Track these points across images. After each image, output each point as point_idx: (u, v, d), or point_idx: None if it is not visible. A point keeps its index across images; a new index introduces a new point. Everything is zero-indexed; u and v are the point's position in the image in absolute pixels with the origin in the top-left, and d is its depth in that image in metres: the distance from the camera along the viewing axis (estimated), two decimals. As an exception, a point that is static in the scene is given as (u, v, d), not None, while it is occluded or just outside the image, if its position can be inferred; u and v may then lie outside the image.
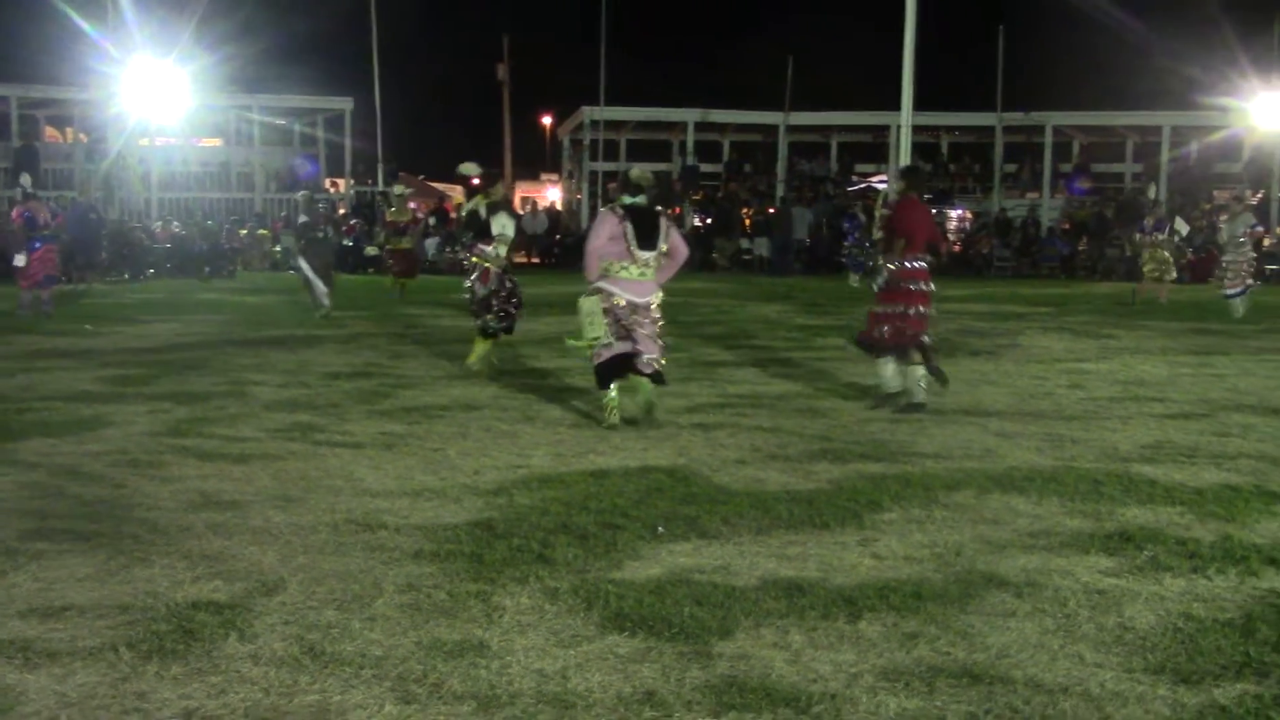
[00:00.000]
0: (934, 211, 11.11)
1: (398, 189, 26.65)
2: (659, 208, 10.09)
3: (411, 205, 36.73)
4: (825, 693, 4.41)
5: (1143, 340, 16.56)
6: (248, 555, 6.06)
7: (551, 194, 51.41)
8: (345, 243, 33.63)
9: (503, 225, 12.17)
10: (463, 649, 4.80)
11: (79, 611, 5.18)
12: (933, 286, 10.69)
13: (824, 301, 22.78)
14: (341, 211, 36.75)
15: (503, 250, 12.21)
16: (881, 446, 8.96)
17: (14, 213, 19.68)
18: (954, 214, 39.10)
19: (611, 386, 9.75)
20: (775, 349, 15.21)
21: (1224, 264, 20.55)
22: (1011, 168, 40.43)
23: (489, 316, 12.23)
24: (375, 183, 37.45)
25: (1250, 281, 20.43)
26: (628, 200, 9.75)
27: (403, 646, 4.83)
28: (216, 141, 40.07)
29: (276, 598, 5.41)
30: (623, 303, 9.64)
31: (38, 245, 18.40)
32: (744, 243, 36.57)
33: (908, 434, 9.47)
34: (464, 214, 12.66)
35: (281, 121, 39.09)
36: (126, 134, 33.99)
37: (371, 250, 31.84)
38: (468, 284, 12.41)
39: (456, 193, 44.73)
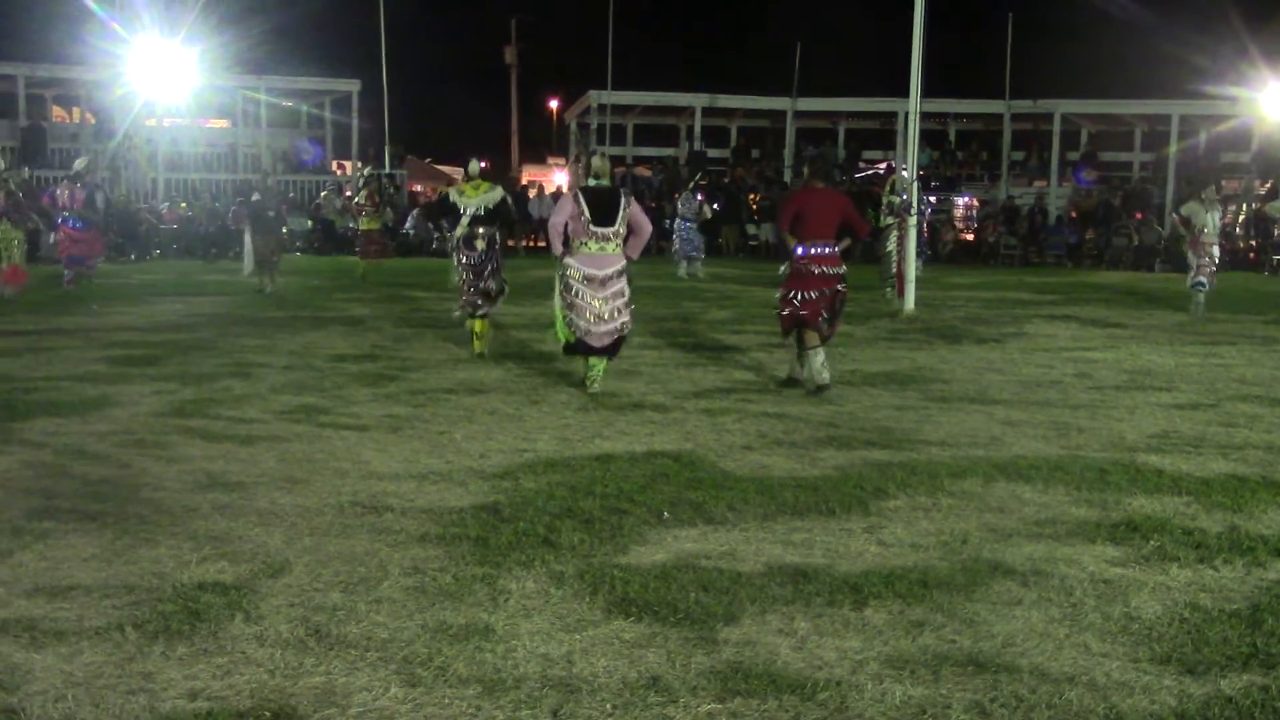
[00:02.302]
0: (847, 198, 11.69)
1: (367, 170, 26.99)
2: (620, 188, 11.31)
3: (417, 188, 36.72)
4: (830, 680, 4.41)
5: (1149, 329, 16.53)
6: (253, 537, 6.07)
7: (558, 178, 51.32)
8: (351, 225, 33.60)
9: None
10: (468, 632, 4.80)
11: (85, 591, 5.19)
12: (841, 270, 10.87)
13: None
14: (348, 194, 36.73)
15: None
16: (887, 434, 8.95)
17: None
18: (961, 201, 39.03)
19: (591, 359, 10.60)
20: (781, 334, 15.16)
21: (1204, 253, 18.40)
22: (1019, 155, 40.32)
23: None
24: (382, 165, 37.39)
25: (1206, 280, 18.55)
26: (591, 183, 10.80)
27: (408, 629, 4.83)
28: (224, 123, 39.99)
29: (282, 579, 5.41)
30: (580, 276, 10.43)
31: (60, 223, 19.41)
32: (750, 228, 36.52)
33: (914, 421, 9.46)
34: (492, 205, 12.62)
35: (289, 103, 39.00)
36: (133, 114, 33.93)
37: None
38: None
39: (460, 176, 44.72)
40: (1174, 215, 19.66)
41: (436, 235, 12.53)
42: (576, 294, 10.43)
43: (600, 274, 10.42)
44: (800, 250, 10.75)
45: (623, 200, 10.62)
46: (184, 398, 9.93)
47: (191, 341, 13.53)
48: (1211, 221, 18.45)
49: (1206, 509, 6.90)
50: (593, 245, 10.41)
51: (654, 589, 5.31)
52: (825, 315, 10.78)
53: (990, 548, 6.07)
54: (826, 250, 10.76)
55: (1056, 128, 38.59)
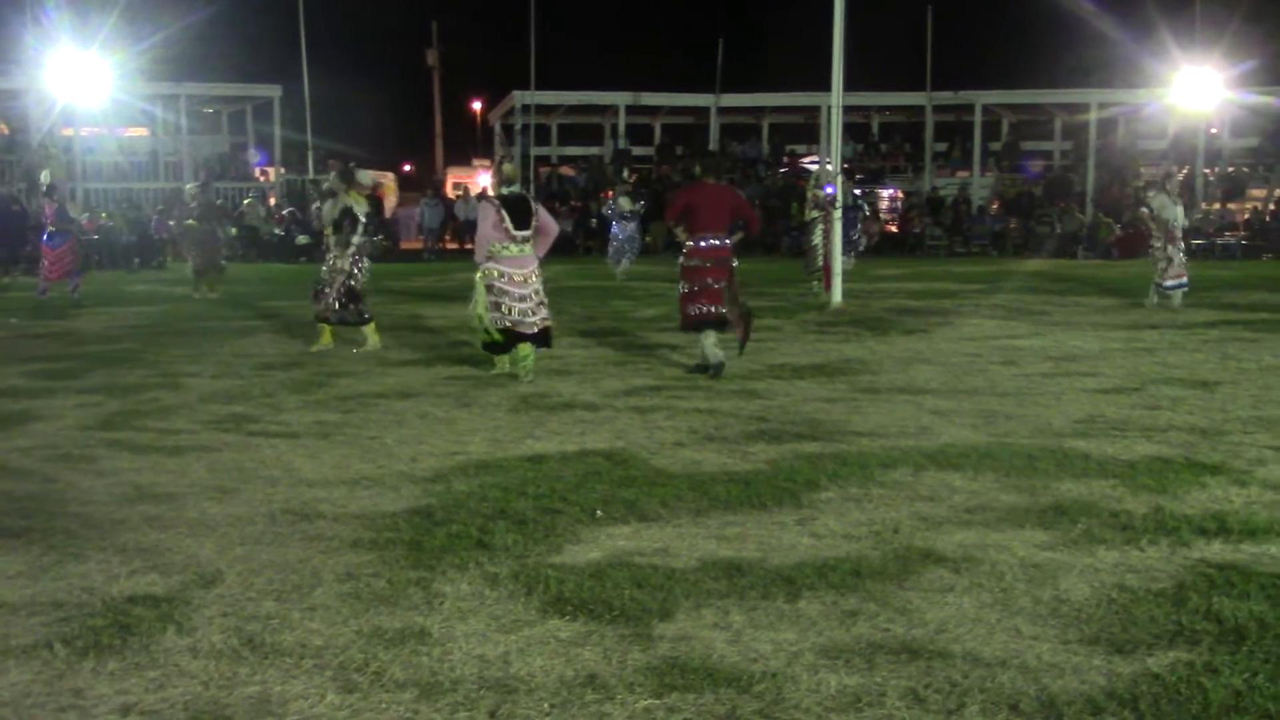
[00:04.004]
0: (737, 191, 12.65)
1: (331, 177, 26.94)
2: (528, 194, 12.15)
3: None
4: (766, 672, 4.43)
5: (1074, 316, 16.74)
6: (184, 548, 6.00)
7: (483, 179, 51.15)
8: (276, 231, 33.35)
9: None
10: (403, 637, 4.78)
11: (11, 609, 5.11)
12: (734, 263, 11.55)
13: (755, 283, 22.81)
14: (273, 201, 36.43)
15: None
16: (817, 426, 9.00)
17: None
18: (886, 193, 39.34)
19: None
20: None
21: (1177, 247, 17.62)
22: (942, 147, 40.72)
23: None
24: (306, 171, 37.06)
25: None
26: (505, 191, 11.45)
27: (343, 636, 4.81)
28: (143, 131, 39.50)
29: (214, 590, 5.36)
30: (504, 276, 11.12)
31: (45, 239, 19.98)
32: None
33: (843, 413, 9.53)
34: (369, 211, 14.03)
35: (209, 110, 38.60)
36: (49, 124, 33.44)
37: (303, 239, 31.55)
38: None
39: (387, 179, 44.43)
40: (1143, 210, 19.34)
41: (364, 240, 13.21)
42: (502, 293, 11.12)
43: (521, 272, 11.18)
44: (692, 243, 11.38)
45: (533, 205, 11.45)
46: (110, 410, 9.81)
47: (117, 353, 13.36)
48: (1179, 213, 18.15)
49: (1132, 491, 7.00)
50: (513, 248, 11.17)
51: (589, 587, 5.31)
52: (727, 301, 11.34)
53: (921, 536, 6.12)
54: (717, 242, 11.42)
55: (978, 118, 39.03)
